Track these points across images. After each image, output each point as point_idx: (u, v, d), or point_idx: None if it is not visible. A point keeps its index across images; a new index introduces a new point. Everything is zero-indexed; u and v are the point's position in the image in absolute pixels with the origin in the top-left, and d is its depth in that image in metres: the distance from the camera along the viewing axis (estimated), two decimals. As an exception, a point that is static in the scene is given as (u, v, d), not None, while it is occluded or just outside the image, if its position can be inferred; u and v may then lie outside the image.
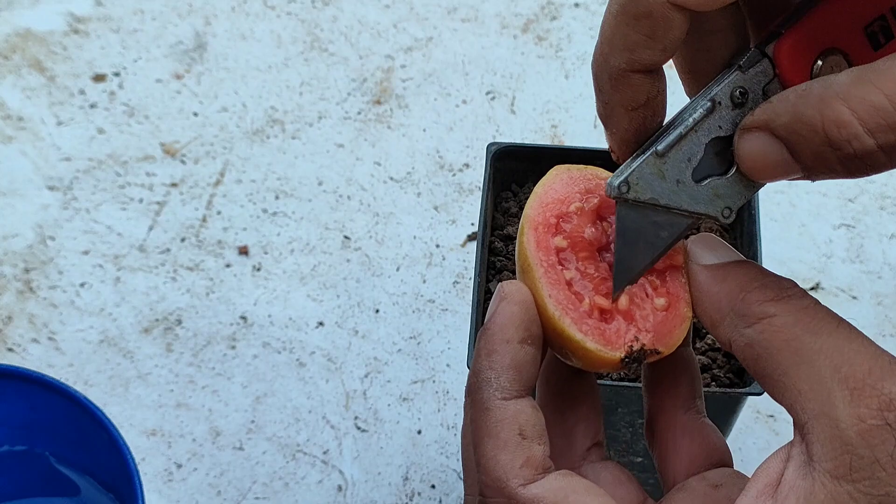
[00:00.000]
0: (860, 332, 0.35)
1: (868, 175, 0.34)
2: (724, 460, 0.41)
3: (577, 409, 0.41)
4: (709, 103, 0.38)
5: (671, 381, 0.41)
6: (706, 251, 0.39)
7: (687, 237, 0.40)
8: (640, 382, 0.54)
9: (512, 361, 0.37)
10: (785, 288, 0.37)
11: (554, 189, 0.40)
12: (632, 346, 0.38)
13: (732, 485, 0.36)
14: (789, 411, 0.36)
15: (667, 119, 0.40)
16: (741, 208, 0.59)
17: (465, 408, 0.39)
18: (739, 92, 0.38)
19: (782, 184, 0.87)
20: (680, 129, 0.38)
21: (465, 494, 0.40)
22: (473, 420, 0.37)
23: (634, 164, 0.38)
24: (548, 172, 0.41)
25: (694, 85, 0.40)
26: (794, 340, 0.35)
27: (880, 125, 0.32)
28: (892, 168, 0.34)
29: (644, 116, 0.38)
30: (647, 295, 0.39)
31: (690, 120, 0.38)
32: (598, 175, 0.41)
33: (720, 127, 0.38)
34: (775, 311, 0.36)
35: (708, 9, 0.35)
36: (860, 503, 0.33)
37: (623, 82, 0.37)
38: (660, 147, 0.38)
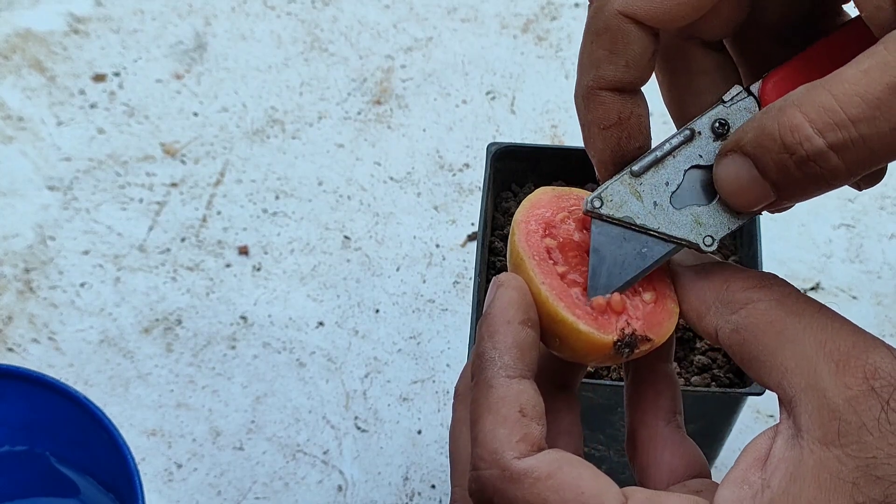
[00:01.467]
0: (840, 315, 0.36)
1: (831, 188, 0.35)
2: (703, 472, 0.41)
3: (559, 423, 0.42)
4: (687, 131, 0.39)
5: (654, 395, 0.42)
6: (688, 255, 0.41)
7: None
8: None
9: (514, 341, 0.37)
10: (766, 278, 0.38)
11: (541, 202, 0.41)
12: (623, 329, 0.38)
13: (711, 492, 0.37)
14: (776, 390, 0.36)
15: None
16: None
17: (453, 406, 0.40)
18: (719, 123, 0.39)
19: (782, 184, 0.87)
20: (656, 153, 0.39)
21: (452, 487, 0.40)
22: (474, 400, 0.37)
23: (608, 183, 0.40)
24: (533, 192, 0.41)
25: (681, 121, 0.41)
26: (779, 321, 0.36)
27: (828, 124, 0.33)
28: (850, 179, 0.35)
29: (618, 137, 0.39)
30: (634, 292, 0.40)
31: (667, 145, 0.39)
32: (581, 196, 0.42)
33: (700, 156, 0.39)
34: (759, 297, 0.37)
35: (659, 25, 0.37)
36: (848, 466, 0.34)
37: (593, 100, 0.39)
38: (634, 167, 0.39)
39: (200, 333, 0.80)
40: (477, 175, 0.88)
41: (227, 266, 0.84)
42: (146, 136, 0.90)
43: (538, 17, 0.98)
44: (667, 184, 0.40)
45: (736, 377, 0.56)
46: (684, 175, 0.39)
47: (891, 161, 0.35)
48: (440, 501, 0.74)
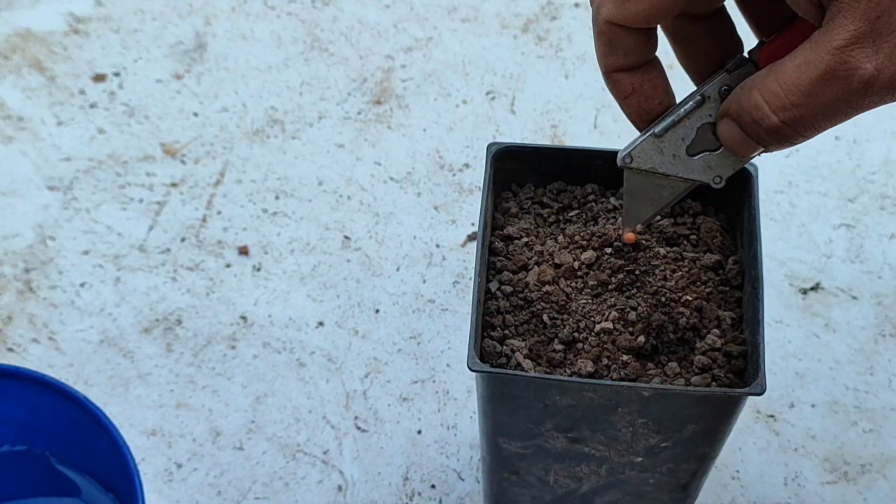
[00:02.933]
0: None
1: (792, 145, 0.46)
2: None
3: None
4: (699, 97, 0.49)
5: None
6: None
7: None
8: (640, 382, 0.54)
9: None
10: None
11: None
12: None
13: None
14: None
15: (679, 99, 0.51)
16: (740, 206, 0.59)
17: None
18: (724, 89, 0.49)
19: (782, 184, 0.87)
20: (673, 117, 0.50)
21: None
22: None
23: (637, 142, 0.51)
24: None
25: (697, 79, 0.51)
26: None
27: (778, 106, 0.44)
28: (806, 139, 0.45)
29: (638, 102, 0.50)
30: None
31: (682, 111, 0.50)
32: None
33: (710, 115, 0.49)
34: None
35: (643, 25, 0.47)
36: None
37: (609, 80, 0.50)
38: (657, 129, 0.50)
39: (200, 333, 0.80)
40: (477, 175, 0.88)
41: (227, 266, 0.84)
42: (146, 136, 0.90)
43: (538, 17, 0.98)
44: (683, 139, 0.50)
45: (736, 377, 0.56)
46: (697, 131, 0.50)
47: (831, 127, 0.45)
48: (440, 501, 0.74)
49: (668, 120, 0.50)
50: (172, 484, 0.74)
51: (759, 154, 0.48)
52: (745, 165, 0.58)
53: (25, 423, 0.67)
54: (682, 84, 0.52)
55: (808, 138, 0.45)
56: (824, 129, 0.45)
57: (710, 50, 0.50)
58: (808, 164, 0.89)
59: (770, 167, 0.87)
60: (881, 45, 0.42)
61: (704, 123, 0.49)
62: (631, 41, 0.48)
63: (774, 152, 0.48)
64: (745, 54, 0.49)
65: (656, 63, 0.50)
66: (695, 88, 0.50)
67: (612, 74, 0.49)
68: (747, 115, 0.46)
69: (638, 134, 0.51)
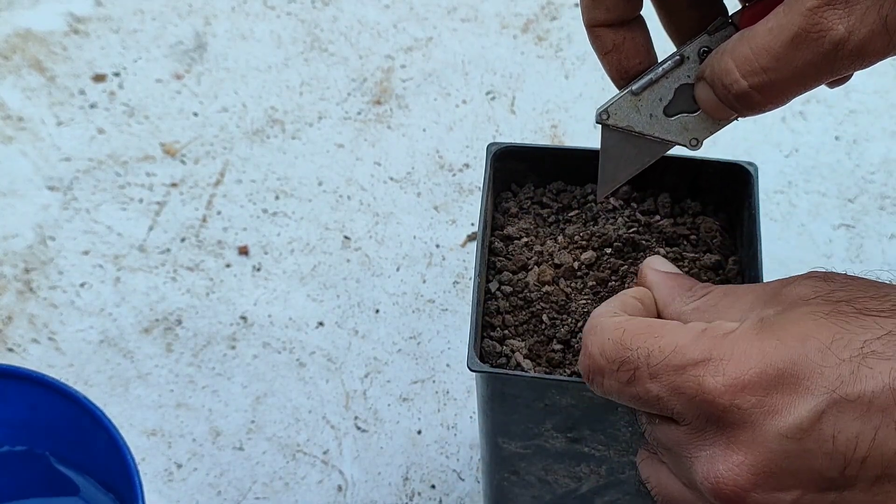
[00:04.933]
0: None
1: (763, 111, 0.46)
2: None
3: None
4: (678, 57, 0.49)
5: None
6: (659, 263, 0.52)
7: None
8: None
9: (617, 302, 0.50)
10: (709, 286, 0.49)
11: None
12: None
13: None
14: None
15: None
16: (740, 206, 0.59)
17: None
18: (704, 50, 0.49)
19: (782, 184, 0.87)
20: (651, 76, 0.50)
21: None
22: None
23: (614, 99, 0.50)
24: None
25: (678, 43, 0.51)
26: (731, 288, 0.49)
27: (748, 71, 0.45)
28: (776, 105, 0.46)
29: (618, 59, 0.50)
30: None
31: (661, 70, 0.49)
32: None
33: (688, 76, 0.49)
34: (713, 287, 0.49)
35: None
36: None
37: (591, 34, 0.50)
38: (634, 87, 0.50)
39: (200, 333, 0.80)
40: (477, 175, 0.88)
41: (227, 266, 0.84)
42: (146, 136, 0.90)
43: (538, 17, 0.98)
44: (660, 99, 0.50)
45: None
46: (675, 92, 0.50)
47: (799, 94, 0.45)
48: (440, 501, 0.74)
49: (646, 78, 0.50)
50: (172, 484, 0.74)
51: (734, 119, 0.49)
52: (745, 165, 0.58)
53: (25, 423, 0.67)
54: (666, 48, 0.52)
55: (778, 105, 0.46)
56: (793, 95, 0.45)
57: (693, 13, 0.50)
58: (808, 164, 0.89)
59: (770, 167, 0.87)
60: (853, 6, 0.42)
61: (683, 84, 0.49)
62: None
63: (753, 121, 0.51)
64: (728, 18, 0.49)
65: (640, 22, 0.50)
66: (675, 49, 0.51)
67: (594, 29, 0.50)
68: (718, 80, 0.46)
69: (616, 92, 0.51)
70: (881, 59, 0.44)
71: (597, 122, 0.51)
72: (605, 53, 0.50)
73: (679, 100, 0.50)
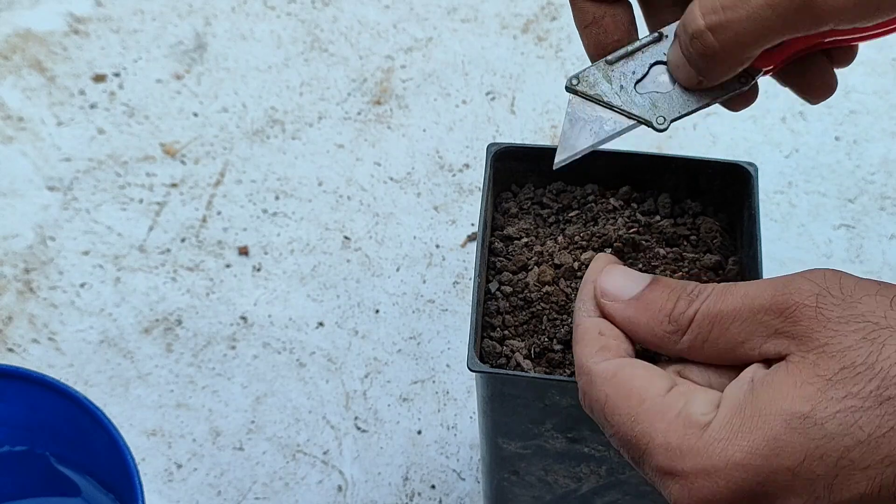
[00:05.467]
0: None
1: (722, 70, 0.46)
2: None
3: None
4: (657, 34, 0.50)
5: None
6: (617, 283, 0.48)
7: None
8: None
9: (590, 294, 0.48)
10: (689, 292, 0.46)
11: None
12: None
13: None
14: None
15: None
16: (740, 206, 0.59)
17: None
18: None
19: (782, 184, 0.87)
20: (628, 48, 0.50)
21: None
22: (573, 340, 0.47)
23: (588, 67, 0.50)
24: None
25: (654, 28, 0.51)
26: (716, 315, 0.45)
27: (707, 9, 0.44)
28: (733, 59, 0.45)
29: (596, 33, 0.50)
30: None
31: (638, 43, 0.50)
32: None
33: (664, 54, 0.49)
34: (696, 309, 0.45)
35: None
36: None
37: (574, 6, 0.50)
38: (609, 57, 0.50)
39: (200, 333, 0.80)
40: (477, 175, 0.88)
41: (227, 266, 0.84)
42: (146, 136, 0.90)
43: (538, 17, 0.98)
44: (633, 73, 0.50)
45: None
46: (649, 68, 0.50)
47: (757, 46, 0.45)
48: (440, 501, 0.74)
49: (623, 50, 0.50)
50: (172, 484, 0.74)
51: (707, 103, 0.49)
52: (745, 165, 0.58)
53: (25, 423, 0.67)
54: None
55: (735, 58, 0.45)
56: (751, 46, 0.45)
57: (676, 10, 0.50)
58: (807, 165, 0.89)
59: (770, 167, 0.87)
60: None
61: (658, 62, 0.50)
62: None
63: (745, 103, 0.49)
64: None
65: (625, 1, 0.50)
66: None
67: (578, 2, 0.50)
68: (681, 28, 0.46)
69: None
70: (849, 23, 0.43)
71: (566, 87, 0.50)
72: (585, 27, 0.50)
73: (652, 79, 0.50)
